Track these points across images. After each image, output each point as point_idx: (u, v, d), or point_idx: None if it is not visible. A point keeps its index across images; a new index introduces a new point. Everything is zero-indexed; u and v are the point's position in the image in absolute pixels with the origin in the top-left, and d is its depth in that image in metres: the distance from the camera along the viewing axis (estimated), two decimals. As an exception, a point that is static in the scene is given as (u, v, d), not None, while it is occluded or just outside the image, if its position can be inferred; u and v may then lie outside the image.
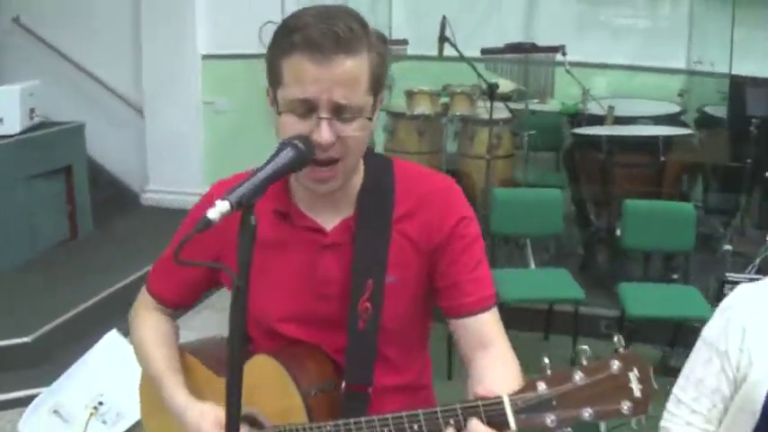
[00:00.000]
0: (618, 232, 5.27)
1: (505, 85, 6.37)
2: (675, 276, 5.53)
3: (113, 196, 7.37)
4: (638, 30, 6.99)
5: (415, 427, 1.54)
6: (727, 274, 4.83)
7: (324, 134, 1.60)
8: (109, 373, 4.01)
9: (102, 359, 4.11)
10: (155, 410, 1.95)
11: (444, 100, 6.34)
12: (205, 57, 7.24)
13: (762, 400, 1.80)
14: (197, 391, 1.86)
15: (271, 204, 1.76)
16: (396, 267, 1.78)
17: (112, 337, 4.16)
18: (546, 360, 1.45)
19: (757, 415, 1.81)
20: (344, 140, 1.64)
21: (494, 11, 6.94)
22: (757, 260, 5.36)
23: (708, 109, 6.54)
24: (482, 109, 6.08)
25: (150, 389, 1.95)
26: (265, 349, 1.80)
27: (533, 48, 6.04)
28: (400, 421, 1.56)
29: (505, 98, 6.08)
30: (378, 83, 1.69)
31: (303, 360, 1.77)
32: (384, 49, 1.69)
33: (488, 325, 1.79)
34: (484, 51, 6.14)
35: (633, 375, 1.38)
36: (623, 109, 6.14)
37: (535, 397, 1.42)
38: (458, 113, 6.17)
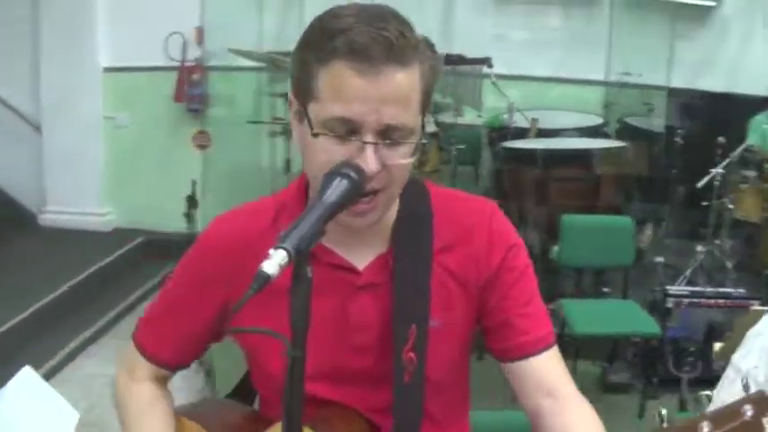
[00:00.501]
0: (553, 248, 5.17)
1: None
2: (607, 290, 5.45)
3: (9, 217, 6.89)
4: (555, 41, 6.92)
5: None
6: (668, 287, 4.79)
7: (370, 162, 1.35)
8: (25, 414, 3.69)
9: (16, 399, 3.78)
10: None
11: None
12: (107, 69, 6.86)
13: None
14: None
15: None
16: (439, 309, 1.54)
17: (27, 374, 3.83)
18: (664, 411, 1.26)
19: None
20: (389, 168, 1.40)
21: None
22: (688, 271, 5.35)
23: (629, 120, 6.55)
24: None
25: None
26: None
27: (460, 59, 5.89)
28: None
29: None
30: (428, 100, 1.45)
31: (337, 426, 1.51)
32: (435, 60, 1.46)
33: (550, 367, 1.56)
34: (411, 63, 5.95)
35: None
36: (546, 121, 6.03)
37: None
38: (383, 128, 5.98)
